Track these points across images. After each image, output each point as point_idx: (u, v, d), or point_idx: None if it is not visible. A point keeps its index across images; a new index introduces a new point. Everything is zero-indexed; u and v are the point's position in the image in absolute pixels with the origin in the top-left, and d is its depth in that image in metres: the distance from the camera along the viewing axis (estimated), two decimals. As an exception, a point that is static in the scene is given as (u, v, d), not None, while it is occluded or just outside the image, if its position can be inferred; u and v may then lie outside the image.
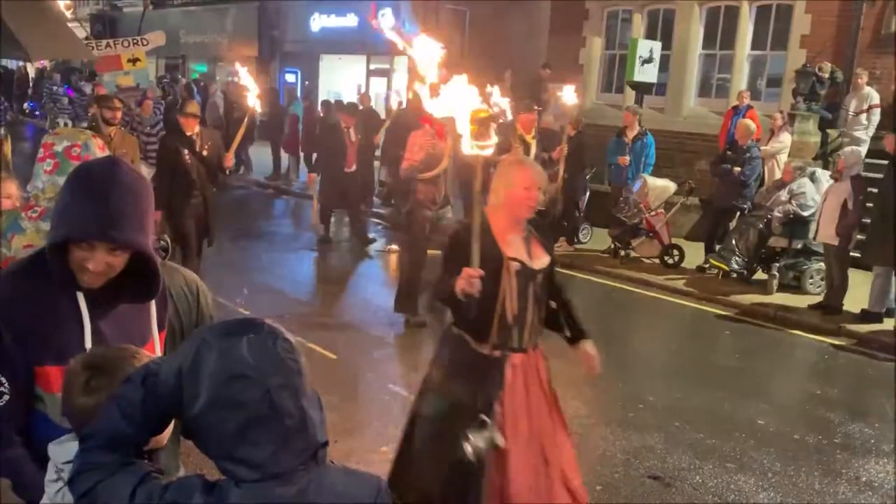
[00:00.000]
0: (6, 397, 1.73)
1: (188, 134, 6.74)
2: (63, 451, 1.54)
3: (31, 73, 25.56)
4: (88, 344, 1.75)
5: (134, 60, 12.40)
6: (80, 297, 1.77)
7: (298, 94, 18.13)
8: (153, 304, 1.89)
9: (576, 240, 10.49)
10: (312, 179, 10.41)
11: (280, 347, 1.29)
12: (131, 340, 1.75)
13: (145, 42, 12.72)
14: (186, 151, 6.67)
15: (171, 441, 1.85)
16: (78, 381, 1.53)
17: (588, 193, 10.72)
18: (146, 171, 7.76)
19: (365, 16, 18.33)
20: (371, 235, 10.32)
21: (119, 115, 6.90)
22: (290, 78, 21.13)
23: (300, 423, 1.28)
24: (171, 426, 1.62)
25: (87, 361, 1.56)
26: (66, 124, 15.54)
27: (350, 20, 18.83)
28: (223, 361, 1.26)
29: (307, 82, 20.00)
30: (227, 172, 7.10)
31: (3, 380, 1.73)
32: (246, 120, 7.06)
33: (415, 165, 6.53)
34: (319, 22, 19.68)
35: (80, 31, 23.14)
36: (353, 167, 10.22)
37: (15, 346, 1.72)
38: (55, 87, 18.32)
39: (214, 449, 1.29)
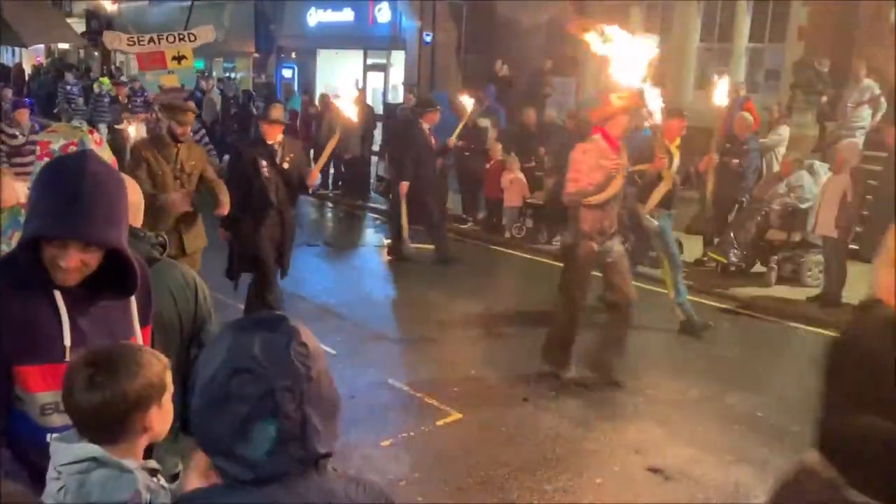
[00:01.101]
0: None
1: (269, 143, 5.72)
2: (64, 451, 1.52)
3: (27, 69, 25.50)
4: (68, 342, 1.72)
5: (180, 58, 11.30)
6: (58, 295, 1.73)
7: (296, 88, 18.10)
8: (134, 301, 1.85)
9: (574, 234, 10.49)
10: (405, 188, 8.94)
11: (293, 350, 1.26)
12: (113, 337, 1.73)
13: (193, 37, 11.53)
14: (265, 163, 5.66)
15: (169, 438, 1.85)
16: (80, 377, 1.52)
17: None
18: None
19: (361, 10, 18.34)
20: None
21: (189, 130, 5.52)
22: (286, 73, 21.12)
23: (299, 429, 1.25)
24: (170, 421, 1.62)
25: (89, 359, 1.54)
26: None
27: (347, 14, 18.82)
28: (231, 353, 1.25)
29: (312, 78, 19.98)
30: (311, 192, 6.13)
31: None
32: (337, 132, 6.23)
33: (586, 189, 5.21)
34: (316, 17, 19.67)
35: (79, 27, 23.09)
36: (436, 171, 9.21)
37: None
38: (68, 87, 17.59)
39: (213, 444, 1.27)
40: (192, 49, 11.42)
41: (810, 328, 7.43)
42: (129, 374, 1.51)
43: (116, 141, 14.80)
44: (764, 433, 5.05)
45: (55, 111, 17.72)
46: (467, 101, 9.79)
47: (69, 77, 18.32)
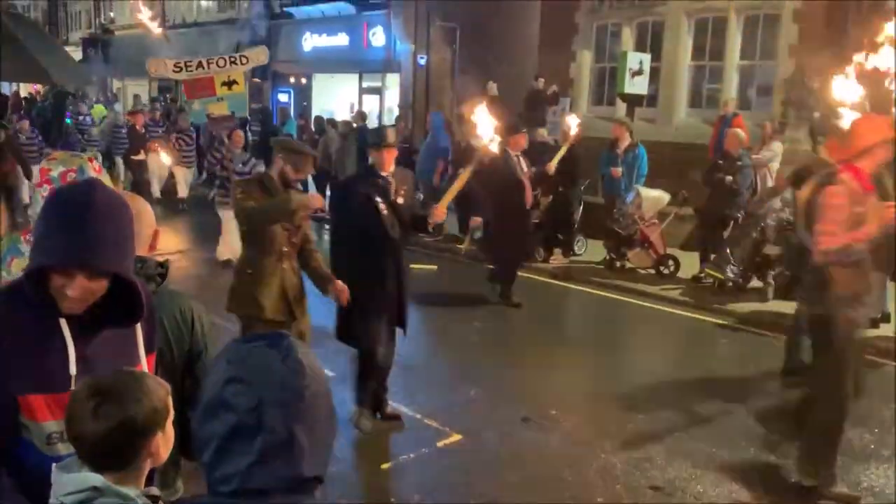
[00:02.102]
0: None
1: (383, 175, 4.75)
2: (65, 481, 1.52)
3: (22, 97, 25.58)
4: (73, 371, 1.72)
5: (230, 83, 10.42)
6: (63, 323, 1.73)
7: (291, 112, 18.21)
8: (139, 328, 1.85)
9: (571, 252, 10.53)
10: (478, 224, 7.74)
11: (288, 366, 1.26)
12: (118, 365, 1.71)
13: (245, 60, 10.66)
14: (379, 200, 4.69)
15: (168, 462, 1.85)
16: (85, 408, 1.51)
17: (582, 206, 10.77)
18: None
19: (356, 35, 18.52)
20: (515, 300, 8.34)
21: (304, 178, 4.48)
22: (282, 97, 21.26)
23: (284, 443, 1.23)
24: (171, 445, 1.63)
25: (93, 388, 1.53)
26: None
27: (342, 39, 18.98)
28: (228, 364, 1.27)
29: (304, 104, 20.10)
30: (432, 231, 4.99)
31: None
32: (473, 163, 5.14)
33: (853, 245, 4.02)
34: (311, 41, 19.83)
35: (76, 55, 23.18)
36: (529, 205, 8.37)
37: None
38: (80, 117, 17.05)
39: (203, 449, 1.27)
40: (244, 71, 10.50)
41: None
42: (135, 401, 1.51)
43: (135, 172, 14.76)
44: (765, 448, 5.04)
45: (70, 140, 17.38)
46: (573, 121, 8.80)
47: (82, 107, 17.67)
